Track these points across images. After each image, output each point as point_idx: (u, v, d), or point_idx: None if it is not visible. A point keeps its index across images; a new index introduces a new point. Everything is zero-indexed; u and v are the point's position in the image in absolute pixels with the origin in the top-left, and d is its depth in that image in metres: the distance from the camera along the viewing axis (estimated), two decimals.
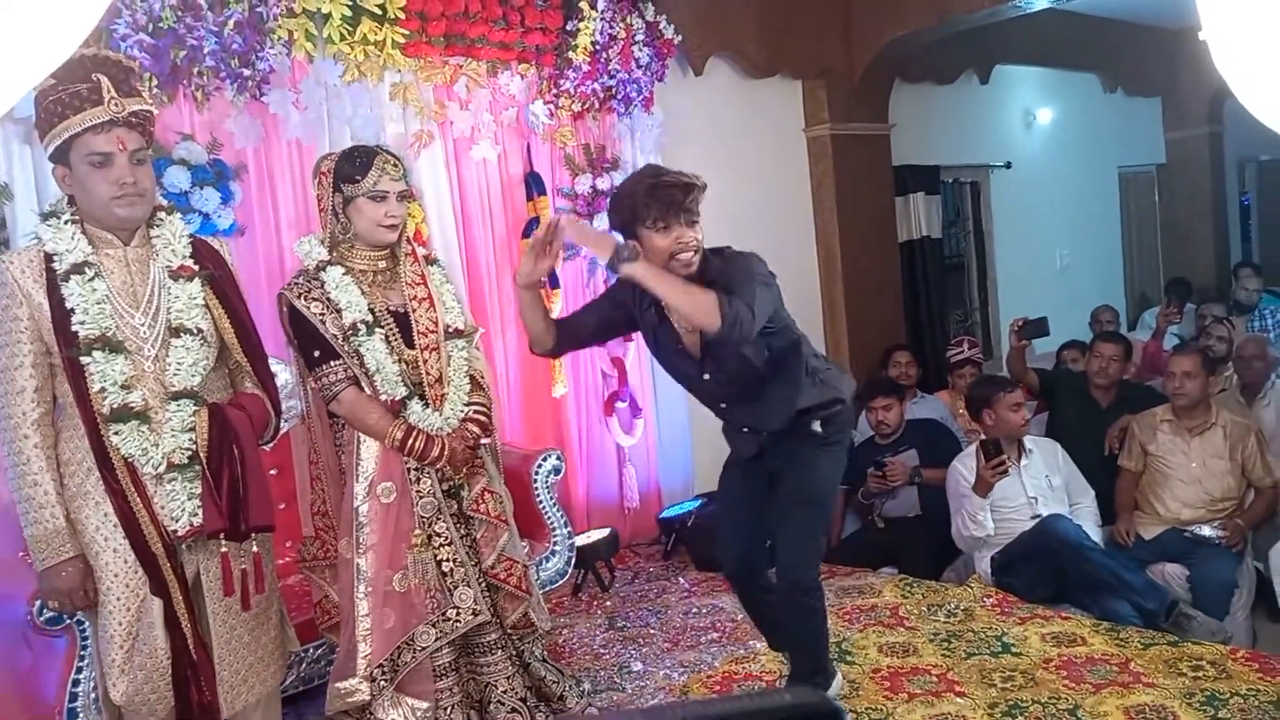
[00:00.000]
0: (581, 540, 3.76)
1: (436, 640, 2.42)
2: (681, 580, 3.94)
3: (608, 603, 3.78)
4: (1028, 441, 3.74)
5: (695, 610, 3.62)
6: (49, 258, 1.98)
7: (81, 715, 2.34)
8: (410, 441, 2.36)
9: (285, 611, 2.33)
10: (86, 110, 1.95)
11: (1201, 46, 2.06)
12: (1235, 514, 3.64)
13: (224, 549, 2.07)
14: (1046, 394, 4.46)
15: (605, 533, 3.98)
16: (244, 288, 2.30)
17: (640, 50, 4.15)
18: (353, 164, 2.37)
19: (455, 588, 2.42)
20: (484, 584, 2.50)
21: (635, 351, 4.34)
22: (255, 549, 2.11)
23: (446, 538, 2.43)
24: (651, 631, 3.46)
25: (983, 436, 3.65)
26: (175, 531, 2.02)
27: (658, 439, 4.49)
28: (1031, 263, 6.88)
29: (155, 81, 2.97)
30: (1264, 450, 3.71)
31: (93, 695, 2.31)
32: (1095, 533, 3.64)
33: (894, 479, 4.04)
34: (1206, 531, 3.60)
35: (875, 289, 5.45)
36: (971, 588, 3.54)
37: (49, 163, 2.05)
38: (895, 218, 5.68)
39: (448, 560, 2.42)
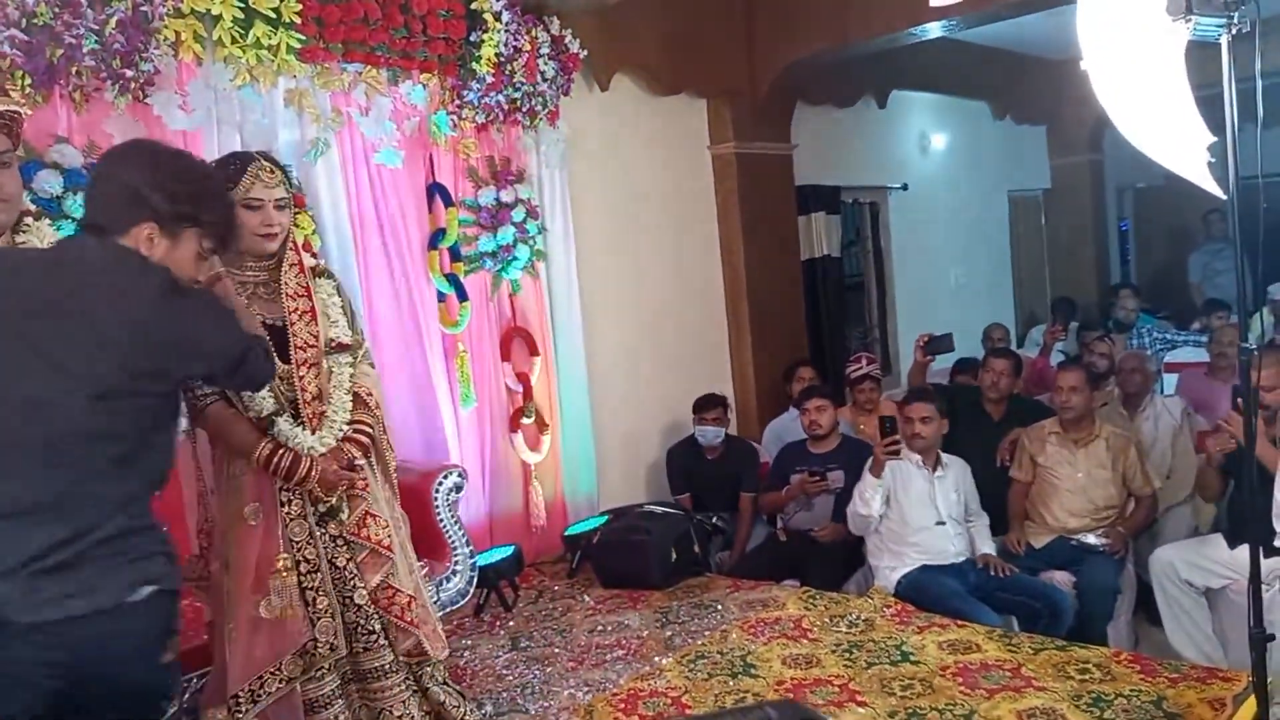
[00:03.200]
0: (484, 559, 3.68)
1: (304, 672, 2.32)
2: (586, 598, 3.89)
3: (511, 622, 3.70)
4: (944, 456, 3.78)
5: (600, 628, 3.58)
6: None
7: None
8: (276, 460, 2.26)
9: None
10: None
11: (1083, 77, 2.16)
12: (1118, 522, 3.81)
13: None
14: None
15: (509, 551, 3.91)
16: None
17: (545, 64, 4.13)
18: (226, 171, 2.28)
19: (318, 618, 2.33)
20: (373, 610, 2.41)
21: (540, 366, 4.30)
22: None
23: (314, 564, 2.33)
24: (556, 650, 3.40)
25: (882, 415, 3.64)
26: None
27: (563, 455, 4.44)
28: (927, 282, 7.10)
29: (28, 80, 2.80)
30: (1143, 460, 3.90)
31: None
32: (989, 546, 3.75)
33: (814, 490, 4.09)
34: (1091, 539, 3.76)
35: (779, 306, 5.54)
36: (872, 599, 3.59)
37: None
38: (798, 236, 5.79)
39: (311, 589, 2.32)
